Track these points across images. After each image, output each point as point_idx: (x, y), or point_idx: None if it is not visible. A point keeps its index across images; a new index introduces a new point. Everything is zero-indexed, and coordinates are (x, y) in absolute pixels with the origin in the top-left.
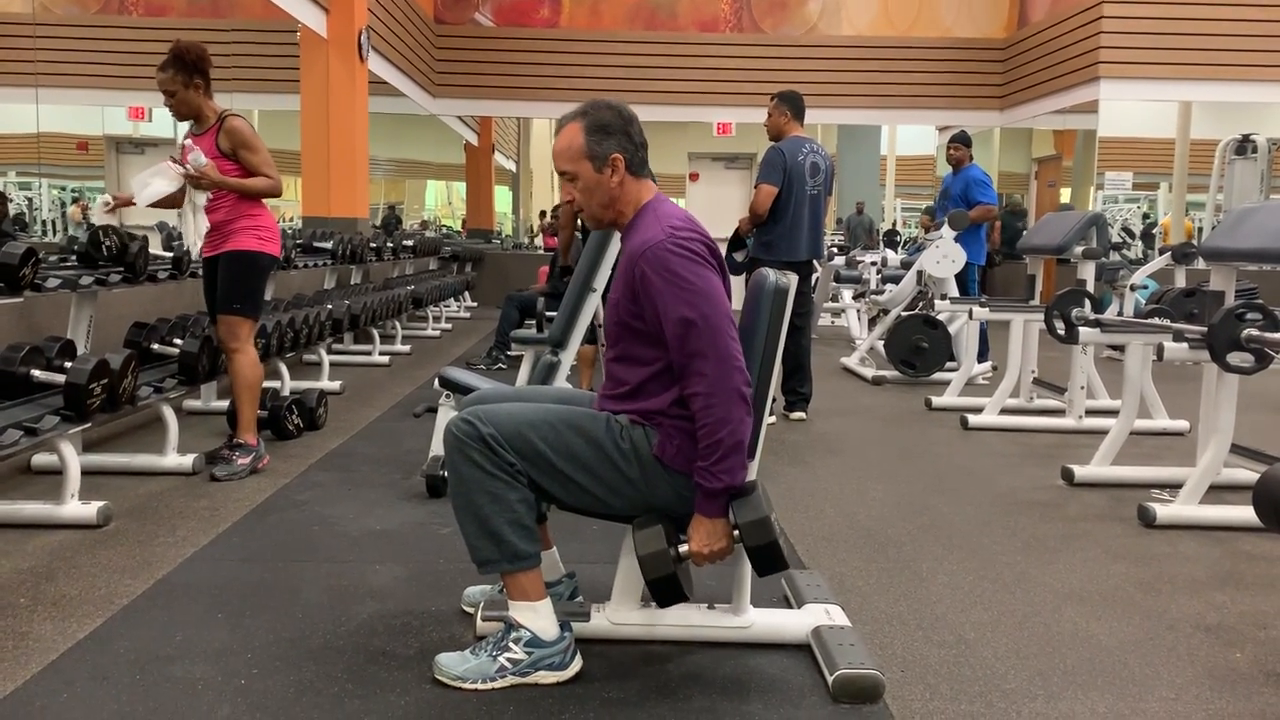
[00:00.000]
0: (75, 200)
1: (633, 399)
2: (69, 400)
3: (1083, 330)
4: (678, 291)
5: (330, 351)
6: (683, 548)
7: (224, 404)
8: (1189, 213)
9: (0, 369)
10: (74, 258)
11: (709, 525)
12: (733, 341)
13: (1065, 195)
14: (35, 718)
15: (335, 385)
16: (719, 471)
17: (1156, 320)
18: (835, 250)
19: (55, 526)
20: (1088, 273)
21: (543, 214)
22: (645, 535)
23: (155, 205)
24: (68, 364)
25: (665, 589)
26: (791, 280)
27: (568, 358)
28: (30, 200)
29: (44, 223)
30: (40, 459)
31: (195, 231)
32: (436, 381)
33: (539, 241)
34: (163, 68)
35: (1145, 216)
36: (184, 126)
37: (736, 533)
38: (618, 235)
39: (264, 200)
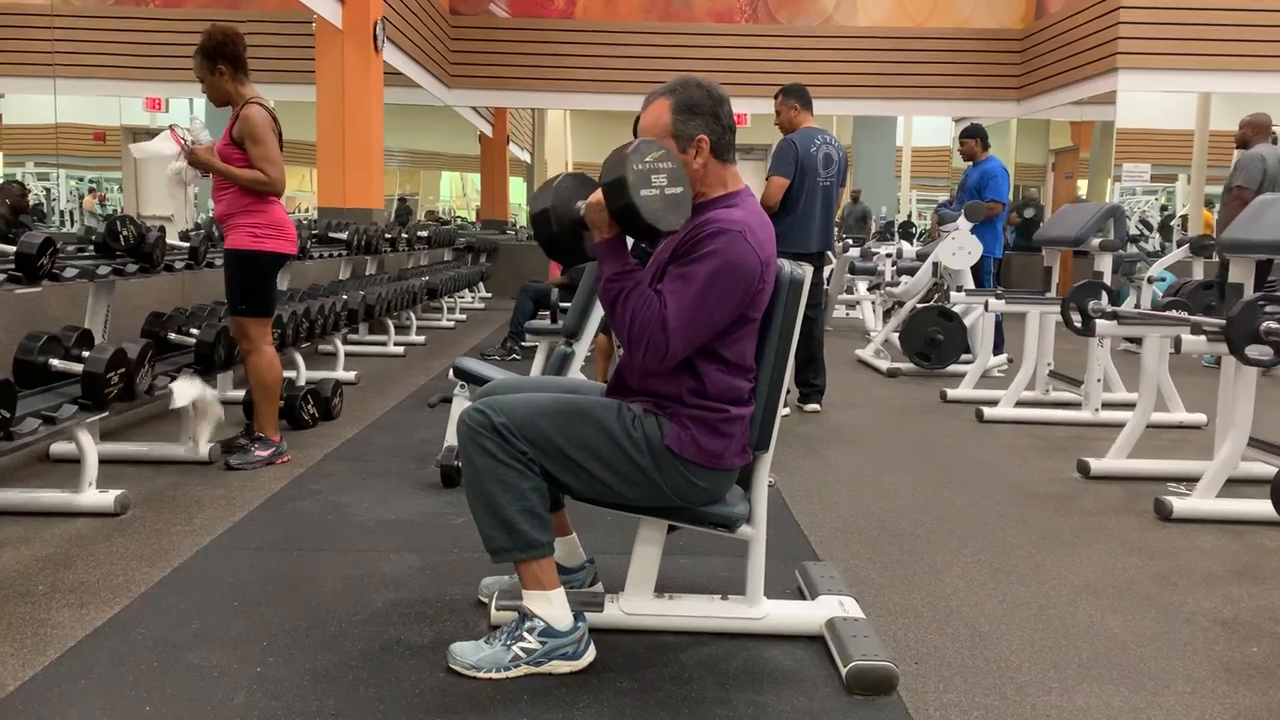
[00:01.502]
0: (91, 190)
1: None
2: (87, 389)
3: (1099, 322)
4: (710, 259)
5: (345, 342)
6: (580, 206)
7: (240, 393)
8: (1208, 204)
9: (19, 358)
10: (91, 248)
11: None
12: (699, 327)
13: (1082, 187)
14: (54, 704)
15: (350, 375)
16: (614, 285)
17: (1174, 312)
18: (850, 241)
19: (73, 514)
20: (1105, 265)
21: None
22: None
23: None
24: (85, 353)
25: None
26: (807, 271)
27: (582, 348)
28: (48, 190)
29: (61, 213)
30: (58, 447)
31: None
32: (451, 372)
33: None
34: (193, 56)
35: (1163, 208)
36: (201, 116)
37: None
38: None
39: (272, 195)
